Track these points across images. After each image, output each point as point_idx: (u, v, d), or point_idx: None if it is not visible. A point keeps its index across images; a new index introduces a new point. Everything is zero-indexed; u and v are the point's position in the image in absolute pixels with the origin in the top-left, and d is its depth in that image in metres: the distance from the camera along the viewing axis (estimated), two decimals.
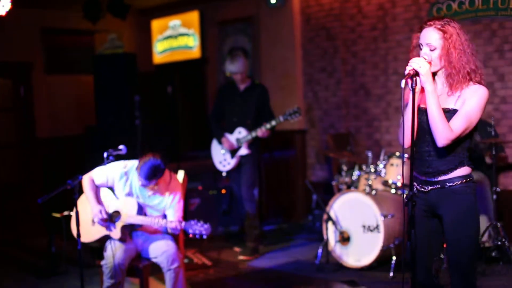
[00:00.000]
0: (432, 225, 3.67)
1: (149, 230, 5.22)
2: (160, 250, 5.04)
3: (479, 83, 3.51)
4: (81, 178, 4.95)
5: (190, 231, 4.89)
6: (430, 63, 3.49)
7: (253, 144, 7.00)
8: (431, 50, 3.52)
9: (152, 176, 4.89)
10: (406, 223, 3.37)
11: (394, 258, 5.97)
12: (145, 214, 5.14)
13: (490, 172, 6.22)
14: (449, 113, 3.49)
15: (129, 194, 5.15)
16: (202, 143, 9.45)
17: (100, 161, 5.20)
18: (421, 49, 3.57)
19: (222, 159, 7.14)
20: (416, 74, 3.43)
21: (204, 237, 4.89)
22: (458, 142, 3.51)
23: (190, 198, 7.73)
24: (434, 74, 3.56)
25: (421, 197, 3.65)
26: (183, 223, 4.94)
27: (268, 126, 6.80)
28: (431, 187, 3.61)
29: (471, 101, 3.46)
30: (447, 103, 3.52)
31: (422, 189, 3.65)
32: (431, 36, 3.51)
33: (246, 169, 7.03)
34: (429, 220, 3.67)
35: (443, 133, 3.44)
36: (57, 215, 6.00)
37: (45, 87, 9.65)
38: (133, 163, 5.19)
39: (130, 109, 7.79)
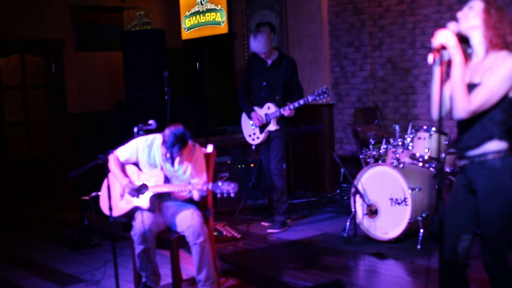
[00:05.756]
0: (468, 201, 3.64)
1: (178, 198, 5.32)
2: (186, 225, 5.12)
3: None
4: (112, 153, 5.07)
5: (218, 191, 4.93)
6: (456, 35, 3.47)
7: (282, 119, 7.02)
8: (470, 9, 3.54)
9: (175, 143, 4.93)
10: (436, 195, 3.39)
11: (421, 230, 6.02)
12: None
13: None
14: (477, 87, 3.46)
15: (154, 166, 5.26)
16: (230, 118, 9.52)
17: (130, 136, 5.33)
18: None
19: (252, 133, 7.19)
20: (443, 47, 3.41)
21: (232, 195, 4.92)
22: (485, 115, 3.47)
23: (219, 172, 7.83)
24: (462, 39, 3.57)
25: (461, 171, 3.65)
26: (210, 184, 5.00)
27: (296, 105, 6.81)
28: (464, 162, 3.61)
29: (496, 74, 3.40)
30: (475, 77, 3.50)
31: (459, 164, 3.65)
32: None
33: (275, 143, 7.06)
34: (466, 196, 3.65)
35: (461, 104, 3.42)
36: (86, 197, 6.15)
37: (75, 63, 9.76)
38: (155, 136, 5.29)
39: (159, 84, 7.87)
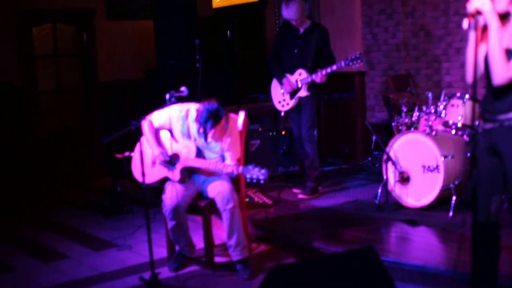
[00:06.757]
0: (494, 163, 3.64)
1: (207, 173, 5.30)
2: (216, 191, 5.13)
3: None
4: (144, 119, 5.08)
5: (248, 175, 4.83)
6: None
7: (313, 86, 6.96)
8: None
9: (208, 119, 4.88)
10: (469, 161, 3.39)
11: (453, 198, 5.99)
12: (203, 157, 5.23)
13: None
14: None
15: (187, 136, 5.22)
16: (261, 86, 9.50)
17: (162, 103, 5.33)
18: None
19: (281, 99, 7.15)
20: (478, 12, 3.38)
21: (262, 182, 4.78)
22: None
23: (251, 140, 7.84)
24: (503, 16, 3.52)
25: (485, 134, 3.64)
26: (240, 168, 4.90)
27: (328, 70, 6.75)
28: (492, 125, 3.60)
29: None
30: None
31: (485, 126, 3.64)
32: None
33: (306, 110, 7.02)
34: (491, 158, 3.64)
35: (500, 71, 3.41)
36: (119, 155, 6.19)
37: (106, 32, 9.80)
38: (190, 106, 5.23)
39: (190, 53, 7.86)
